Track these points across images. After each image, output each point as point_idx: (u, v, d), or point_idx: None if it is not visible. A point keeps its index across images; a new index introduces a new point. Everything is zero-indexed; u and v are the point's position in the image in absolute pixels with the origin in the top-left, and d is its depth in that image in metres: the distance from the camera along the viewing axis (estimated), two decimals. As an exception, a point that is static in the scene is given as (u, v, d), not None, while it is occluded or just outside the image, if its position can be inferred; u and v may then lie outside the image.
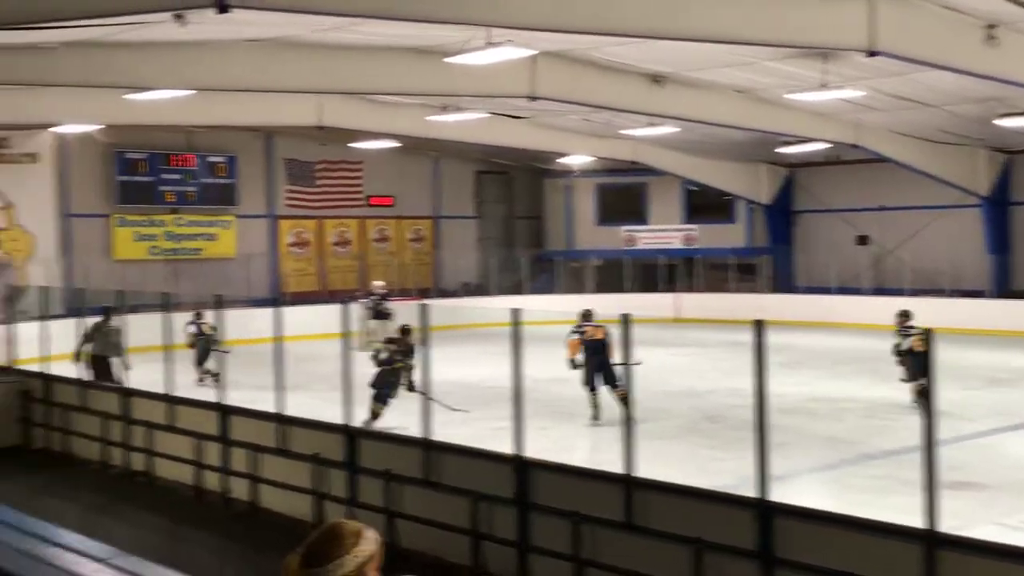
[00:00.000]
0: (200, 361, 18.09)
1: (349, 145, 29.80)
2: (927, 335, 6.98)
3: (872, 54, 15.43)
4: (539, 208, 36.61)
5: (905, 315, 15.92)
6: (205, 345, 17.90)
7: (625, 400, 9.85)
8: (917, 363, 14.23)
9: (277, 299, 20.44)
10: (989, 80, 17.87)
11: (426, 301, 19.86)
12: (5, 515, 8.22)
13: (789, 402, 15.28)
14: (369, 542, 2.89)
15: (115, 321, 15.91)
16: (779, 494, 7.41)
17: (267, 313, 11.89)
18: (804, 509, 7.23)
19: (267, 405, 11.27)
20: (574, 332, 14.96)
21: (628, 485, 7.94)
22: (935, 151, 27.67)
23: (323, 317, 24.54)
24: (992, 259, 28.87)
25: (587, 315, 15.10)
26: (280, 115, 24.23)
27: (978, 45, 16.16)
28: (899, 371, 15.38)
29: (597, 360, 14.43)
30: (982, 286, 28.06)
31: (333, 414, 10.67)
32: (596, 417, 14.39)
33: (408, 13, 13.26)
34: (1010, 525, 9.35)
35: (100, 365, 15.72)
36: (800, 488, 10.50)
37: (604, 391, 14.26)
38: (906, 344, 15.16)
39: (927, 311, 19.24)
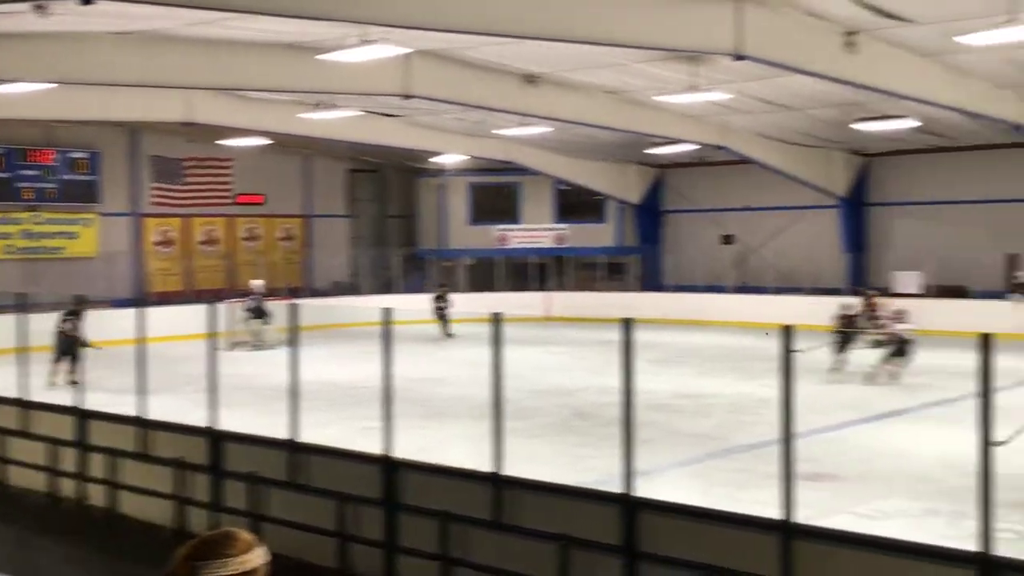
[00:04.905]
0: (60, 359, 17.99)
1: (218, 142, 29.18)
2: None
3: (738, 58, 15.83)
4: (412, 207, 36.49)
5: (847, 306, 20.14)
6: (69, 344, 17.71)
7: None
8: None
9: (141, 299, 19.94)
10: (847, 85, 18.53)
11: (297, 300, 19.59)
12: None
13: (657, 399, 15.56)
14: (258, 557, 2.96)
15: None
16: (645, 489, 7.53)
17: (130, 313, 11.54)
18: (667, 503, 7.36)
19: (129, 408, 10.95)
20: None
21: (496, 483, 7.96)
22: (796, 153, 28.59)
23: (190, 317, 24.08)
24: (848, 258, 29.96)
25: None
26: (147, 111, 23.60)
27: (837, 51, 16.74)
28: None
29: None
30: (839, 284, 29.05)
31: (198, 417, 10.44)
32: None
33: (280, 9, 13.05)
34: (861, 514, 9.71)
35: None
36: (665, 483, 10.67)
37: None
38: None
39: (788, 309, 19.89)
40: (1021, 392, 16.39)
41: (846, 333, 19.18)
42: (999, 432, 11.79)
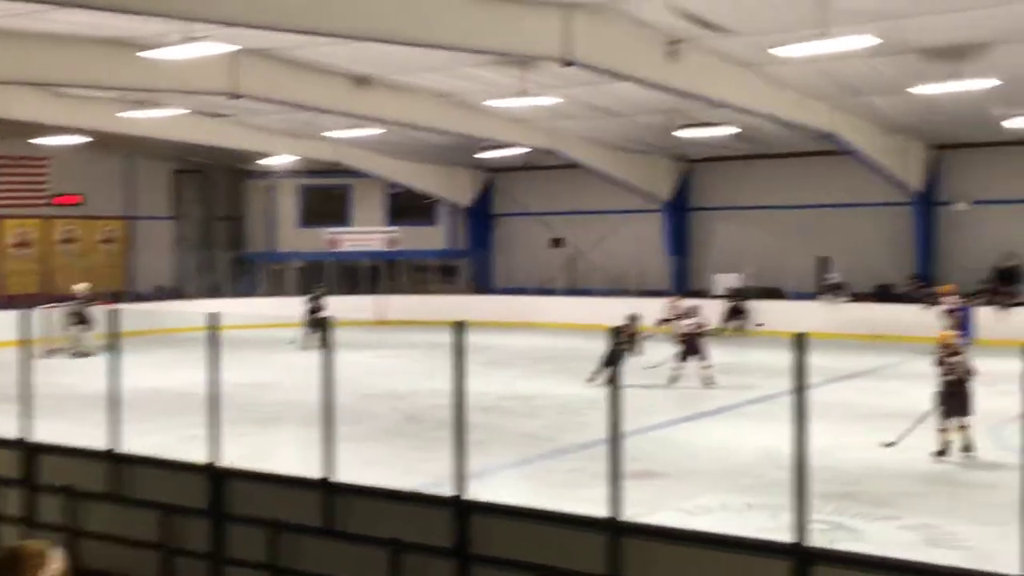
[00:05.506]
0: None
1: (31, 140, 27.83)
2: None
3: (567, 64, 16.10)
4: (240, 209, 35.70)
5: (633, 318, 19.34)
6: None
7: None
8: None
9: (-53, 304, 18.90)
10: (670, 92, 19.09)
11: (119, 305, 18.91)
12: None
13: (488, 400, 15.68)
14: (55, 561, 2.79)
15: None
16: (477, 492, 7.56)
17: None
18: (498, 505, 7.41)
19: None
20: None
21: (327, 490, 7.86)
22: (623, 158, 29.29)
23: (1, 323, 22.91)
24: (672, 260, 30.88)
25: None
26: (-50, 105, 22.33)
27: (661, 59, 17.23)
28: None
29: None
30: (664, 286, 29.88)
31: (9, 428, 9.92)
32: None
33: (99, 2, 12.55)
34: (687, 510, 10.01)
35: None
36: (497, 484, 10.76)
37: None
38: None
39: (615, 310, 20.32)
40: (832, 388, 17.26)
41: (617, 348, 18.51)
42: (887, 434, 12.28)
